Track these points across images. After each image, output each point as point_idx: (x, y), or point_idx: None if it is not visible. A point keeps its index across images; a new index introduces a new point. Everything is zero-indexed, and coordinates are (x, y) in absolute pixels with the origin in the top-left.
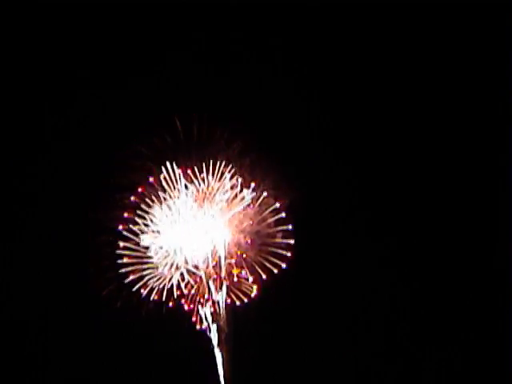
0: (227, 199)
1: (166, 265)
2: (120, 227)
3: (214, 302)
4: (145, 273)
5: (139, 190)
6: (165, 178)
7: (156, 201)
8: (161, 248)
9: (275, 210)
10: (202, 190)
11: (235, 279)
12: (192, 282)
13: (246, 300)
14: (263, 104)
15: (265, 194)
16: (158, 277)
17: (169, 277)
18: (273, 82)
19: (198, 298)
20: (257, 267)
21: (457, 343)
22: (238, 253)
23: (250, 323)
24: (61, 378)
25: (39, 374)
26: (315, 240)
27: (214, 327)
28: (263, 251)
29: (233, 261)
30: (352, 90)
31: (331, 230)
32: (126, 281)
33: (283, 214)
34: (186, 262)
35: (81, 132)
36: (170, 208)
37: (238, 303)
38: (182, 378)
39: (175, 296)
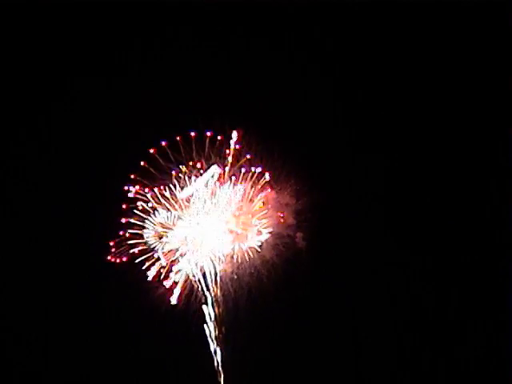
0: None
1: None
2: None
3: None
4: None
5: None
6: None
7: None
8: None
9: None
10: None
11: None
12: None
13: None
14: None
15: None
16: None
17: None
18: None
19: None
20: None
21: (457, 343)
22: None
23: (251, 320)
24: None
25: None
26: (317, 240)
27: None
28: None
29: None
30: (355, 91)
31: (332, 229)
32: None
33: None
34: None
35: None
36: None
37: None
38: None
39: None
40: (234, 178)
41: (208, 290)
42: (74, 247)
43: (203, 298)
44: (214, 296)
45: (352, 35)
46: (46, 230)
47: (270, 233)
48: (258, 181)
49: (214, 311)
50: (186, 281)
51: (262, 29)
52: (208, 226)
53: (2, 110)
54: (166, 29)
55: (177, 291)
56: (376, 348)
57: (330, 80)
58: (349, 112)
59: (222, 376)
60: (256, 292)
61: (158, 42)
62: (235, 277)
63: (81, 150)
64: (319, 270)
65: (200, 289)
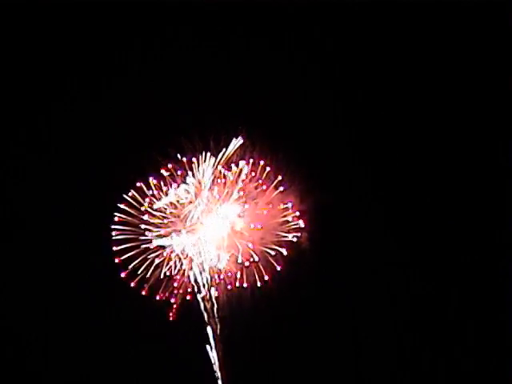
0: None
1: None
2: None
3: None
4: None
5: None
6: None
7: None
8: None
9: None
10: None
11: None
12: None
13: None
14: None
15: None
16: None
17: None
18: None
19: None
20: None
21: (457, 343)
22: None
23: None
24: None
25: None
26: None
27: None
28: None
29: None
30: (355, 91)
31: (334, 229)
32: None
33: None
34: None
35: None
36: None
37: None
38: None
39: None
40: (239, 175)
41: (210, 290)
42: (73, 247)
43: (205, 298)
44: (217, 297)
45: (352, 35)
46: (46, 230)
47: (297, 233)
48: (263, 181)
49: (217, 312)
50: (185, 295)
51: (262, 29)
52: (212, 227)
53: (2, 110)
54: (166, 29)
55: (175, 306)
56: (376, 348)
57: (330, 80)
58: (349, 112)
59: (224, 375)
60: (259, 292)
61: (157, 42)
62: (238, 277)
63: (81, 150)
64: (323, 269)
65: (202, 289)
